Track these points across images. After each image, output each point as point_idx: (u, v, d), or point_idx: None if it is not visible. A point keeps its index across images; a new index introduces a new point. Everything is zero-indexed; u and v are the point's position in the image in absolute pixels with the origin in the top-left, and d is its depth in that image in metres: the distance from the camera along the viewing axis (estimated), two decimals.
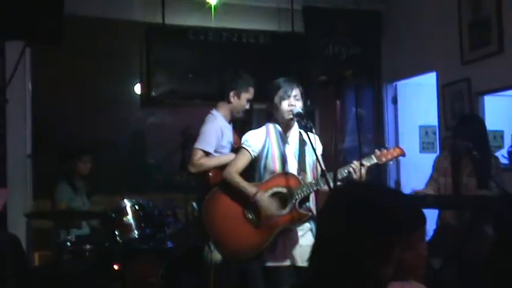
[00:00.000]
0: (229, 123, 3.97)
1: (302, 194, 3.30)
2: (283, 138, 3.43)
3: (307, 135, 3.29)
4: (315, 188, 3.30)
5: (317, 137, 3.50)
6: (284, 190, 3.33)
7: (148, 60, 6.02)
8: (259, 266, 3.38)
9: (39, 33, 3.40)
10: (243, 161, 3.44)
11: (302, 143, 3.42)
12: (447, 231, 4.14)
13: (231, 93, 3.90)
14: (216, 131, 3.81)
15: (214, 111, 3.94)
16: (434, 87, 5.82)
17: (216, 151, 3.76)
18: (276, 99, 3.37)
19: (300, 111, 3.32)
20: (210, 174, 3.62)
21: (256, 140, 3.43)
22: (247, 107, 3.99)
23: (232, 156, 3.63)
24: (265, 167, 3.39)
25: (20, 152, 5.16)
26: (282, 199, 3.35)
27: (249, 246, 3.36)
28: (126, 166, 6.05)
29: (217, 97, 3.99)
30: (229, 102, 3.92)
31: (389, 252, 1.54)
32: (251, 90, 3.94)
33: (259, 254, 3.34)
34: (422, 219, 1.80)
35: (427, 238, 1.88)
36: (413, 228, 1.75)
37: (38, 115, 5.47)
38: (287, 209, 3.31)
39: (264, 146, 3.40)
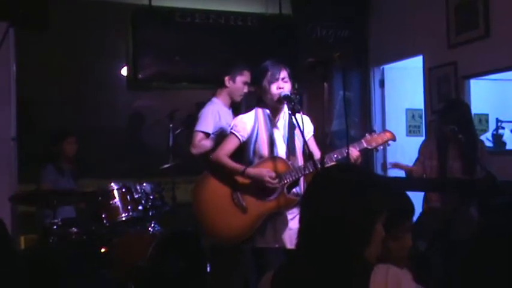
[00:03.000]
0: (229, 108, 4.18)
1: (291, 179, 3.30)
2: (272, 123, 3.42)
3: (296, 117, 3.28)
4: (303, 173, 3.29)
5: (307, 118, 3.50)
6: None
7: (134, 43, 5.95)
8: (250, 247, 3.40)
9: (24, 15, 3.35)
10: (231, 145, 3.44)
11: (291, 127, 3.41)
12: (433, 214, 4.18)
13: (226, 78, 4.13)
14: (212, 113, 4.05)
15: (213, 98, 4.18)
16: (421, 71, 5.84)
17: (222, 135, 3.80)
18: (264, 82, 3.36)
19: (288, 94, 3.32)
20: (211, 157, 3.62)
21: (244, 125, 3.43)
22: (246, 90, 4.17)
23: None
24: (254, 151, 3.40)
25: (4, 135, 5.10)
26: None
27: (237, 231, 3.36)
28: (113, 149, 6.00)
29: (215, 84, 4.24)
30: (225, 87, 4.15)
31: (373, 232, 1.55)
32: (246, 73, 4.13)
33: (248, 238, 3.35)
34: (411, 211, 1.82)
35: (413, 220, 1.90)
36: (401, 217, 1.77)
37: (23, 98, 5.40)
38: (275, 194, 3.32)
39: (253, 131, 3.40)
